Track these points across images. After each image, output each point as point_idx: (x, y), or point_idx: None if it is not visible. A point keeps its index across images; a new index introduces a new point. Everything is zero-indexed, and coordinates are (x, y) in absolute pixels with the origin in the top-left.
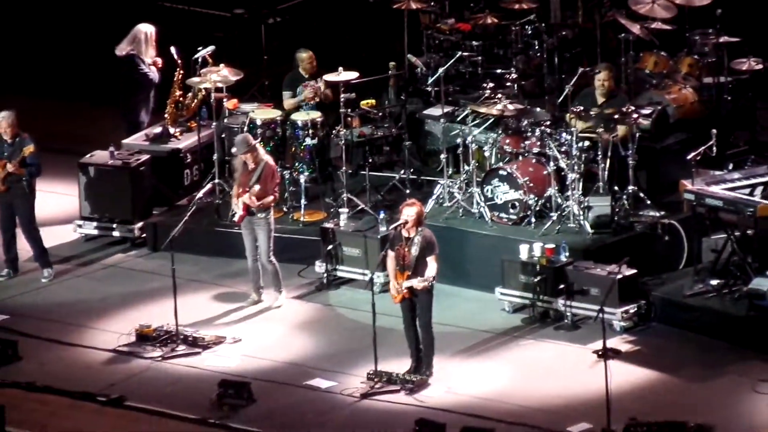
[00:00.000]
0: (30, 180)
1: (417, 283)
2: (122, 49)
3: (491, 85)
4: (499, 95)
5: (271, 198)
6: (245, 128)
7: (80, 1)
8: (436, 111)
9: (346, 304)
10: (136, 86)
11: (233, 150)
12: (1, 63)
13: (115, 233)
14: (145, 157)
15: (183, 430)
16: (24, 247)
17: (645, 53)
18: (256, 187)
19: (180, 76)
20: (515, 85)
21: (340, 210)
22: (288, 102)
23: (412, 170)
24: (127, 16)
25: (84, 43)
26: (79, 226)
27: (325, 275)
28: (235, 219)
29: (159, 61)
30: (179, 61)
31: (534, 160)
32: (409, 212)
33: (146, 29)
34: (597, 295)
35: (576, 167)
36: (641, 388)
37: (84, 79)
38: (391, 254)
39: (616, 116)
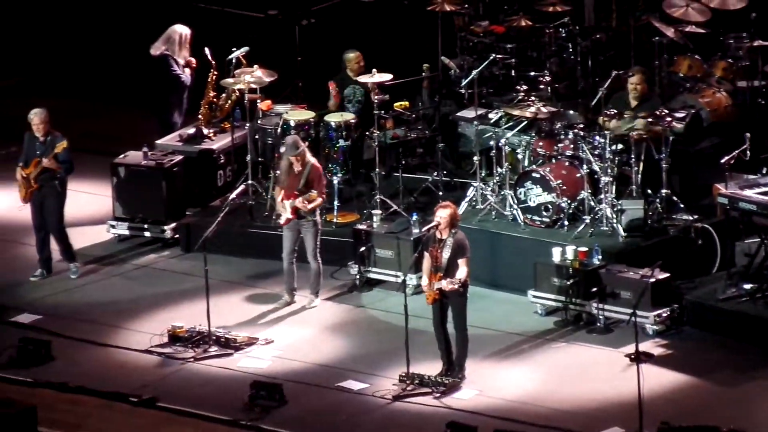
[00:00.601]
0: (63, 177)
1: (445, 284)
2: (156, 49)
3: (525, 87)
4: (533, 98)
5: (320, 200)
6: (279, 129)
7: (116, 2)
8: (469, 113)
9: (378, 306)
10: (169, 87)
11: (282, 150)
12: (35, 63)
13: (148, 234)
14: (178, 157)
15: (215, 431)
16: (56, 247)
17: (679, 57)
18: (313, 192)
19: (214, 77)
20: (548, 88)
21: (373, 212)
22: (331, 102)
23: (445, 172)
24: (162, 17)
25: (119, 44)
26: (112, 226)
27: (358, 277)
28: (281, 221)
29: (193, 61)
30: (213, 62)
31: (567, 163)
32: (442, 214)
33: (181, 30)
34: (630, 298)
35: (609, 170)
36: (674, 392)
37: (118, 79)
38: (426, 255)
39: (650, 119)
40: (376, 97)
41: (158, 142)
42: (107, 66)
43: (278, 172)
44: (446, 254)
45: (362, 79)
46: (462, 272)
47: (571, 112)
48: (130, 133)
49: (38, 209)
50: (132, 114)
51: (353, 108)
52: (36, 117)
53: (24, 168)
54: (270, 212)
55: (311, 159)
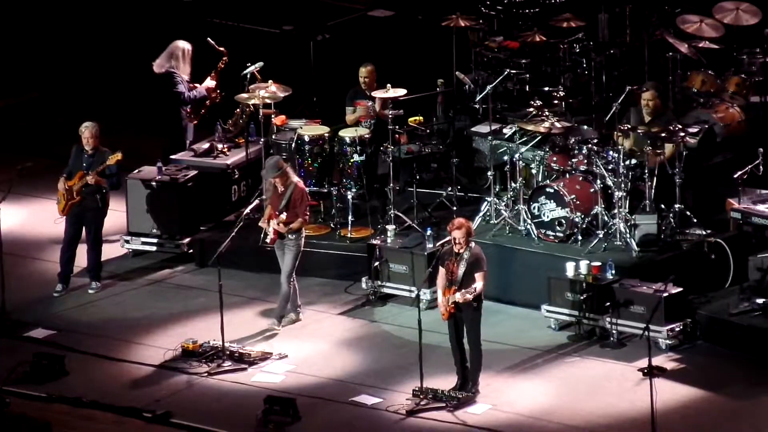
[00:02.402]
0: (107, 192)
1: (459, 297)
2: (161, 66)
3: (539, 102)
4: (547, 113)
5: (299, 221)
6: (293, 144)
7: (129, 17)
8: (483, 128)
9: (392, 321)
10: (176, 103)
11: (262, 173)
12: (51, 79)
13: (162, 249)
14: (192, 172)
15: None
16: (79, 264)
17: (692, 72)
18: (284, 215)
19: (222, 64)
20: (563, 103)
21: (387, 227)
22: (348, 117)
23: (459, 187)
24: (176, 33)
25: (132, 59)
26: (127, 241)
27: (372, 291)
28: (267, 241)
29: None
30: (221, 49)
31: (581, 178)
32: (457, 235)
33: (183, 45)
34: (643, 313)
35: (623, 185)
36: (687, 406)
37: (132, 94)
38: (441, 271)
39: (663, 134)
40: (386, 111)
41: (173, 157)
42: (121, 82)
43: (266, 191)
44: (462, 269)
45: (375, 94)
46: (477, 285)
47: (585, 127)
48: (145, 148)
49: (75, 223)
50: (145, 130)
51: (366, 123)
52: (87, 130)
53: (68, 180)
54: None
55: (294, 179)
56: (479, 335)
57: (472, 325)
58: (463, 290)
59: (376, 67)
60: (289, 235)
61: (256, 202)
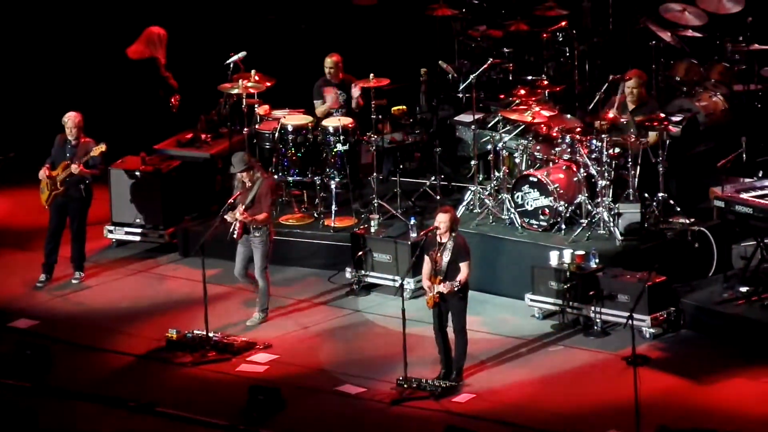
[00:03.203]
0: (90, 183)
1: (444, 288)
2: (141, 53)
3: (522, 91)
4: (530, 102)
5: (263, 215)
6: (276, 134)
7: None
8: (467, 117)
9: (376, 310)
10: (156, 89)
11: (231, 169)
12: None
13: (146, 238)
14: (176, 162)
15: None
16: (63, 254)
17: (676, 61)
18: (241, 207)
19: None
20: (546, 92)
21: (371, 216)
22: (318, 110)
23: (442, 176)
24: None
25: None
26: (110, 231)
27: (356, 281)
28: (234, 236)
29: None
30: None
31: (564, 167)
32: (442, 218)
33: (158, 31)
34: (627, 301)
35: (606, 174)
36: (670, 395)
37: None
38: (426, 259)
39: (646, 123)
40: (359, 101)
41: (156, 147)
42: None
43: (235, 188)
44: (446, 258)
45: (360, 84)
46: (462, 274)
47: (569, 116)
48: (127, 138)
49: (58, 213)
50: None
51: (338, 113)
52: (70, 120)
53: (51, 170)
54: None
55: (261, 174)
56: (465, 324)
57: (457, 315)
58: (448, 281)
59: (359, 56)
60: (255, 232)
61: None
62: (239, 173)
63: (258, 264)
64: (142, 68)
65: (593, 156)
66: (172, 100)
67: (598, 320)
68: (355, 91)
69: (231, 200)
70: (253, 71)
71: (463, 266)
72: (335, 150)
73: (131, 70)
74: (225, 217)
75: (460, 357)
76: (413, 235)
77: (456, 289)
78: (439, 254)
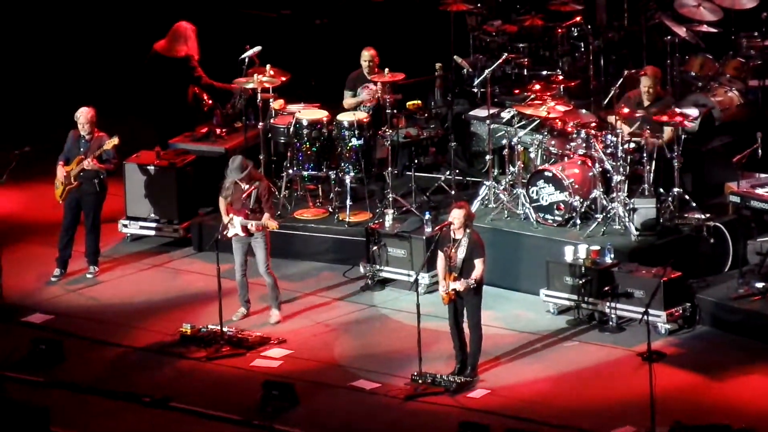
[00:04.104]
0: (105, 177)
1: (460, 285)
2: (178, 51)
3: (537, 86)
4: (545, 97)
5: (267, 217)
6: (291, 128)
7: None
8: (482, 112)
9: (390, 305)
10: (188, 86)
11: (228, 174)
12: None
13: (161, 233)
14: (190, 157)
15: (227, 431)
16: (77, 249)
17: (691, 56)
18: (271, 222)
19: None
20: (561, 87)
21: (386, 211)
22: (347, 102)
23: (457, 171)
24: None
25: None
26: (125, 225)
27: (370, 276)
28: (228, 234)
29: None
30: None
31: (579, 162)
32: (456, 214)
33: (189, 26)
34: (642, 297)
35: (621, 169)
36: (686, 391)
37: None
38: (441, 255)
39: (663, 118)
40: (385, 96)
41: (171, 141)
42: (116, 67)
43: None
44: (461, 254)
45: (374, 78)
46: (477, 271)
47: (584, 111)
48: (144, 132)
49: (73, 208)
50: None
51: (365, 108)
52: (82, 116)
53: (65, 165)
54: (282, 211)
55: (259, 176)
56: (480, 320)
57: (472, 310)
58: (463, 279)
59: (376, 50)
60: (257, 233)
61: (253, 186)
62: (238, 179)
63: (261, 261)
64: (174, 65)
65: (608, 151)
66: (205, 97)
67: (613, 316)
68: (376, 88)
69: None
70: (268, 66)
71: (478, 263)
72: (350, 144)
73: (162, 66)
74: (248, 226)
75: (475, 353)
76: (428, 230)
77: (471, 285)
78: (453, 250)
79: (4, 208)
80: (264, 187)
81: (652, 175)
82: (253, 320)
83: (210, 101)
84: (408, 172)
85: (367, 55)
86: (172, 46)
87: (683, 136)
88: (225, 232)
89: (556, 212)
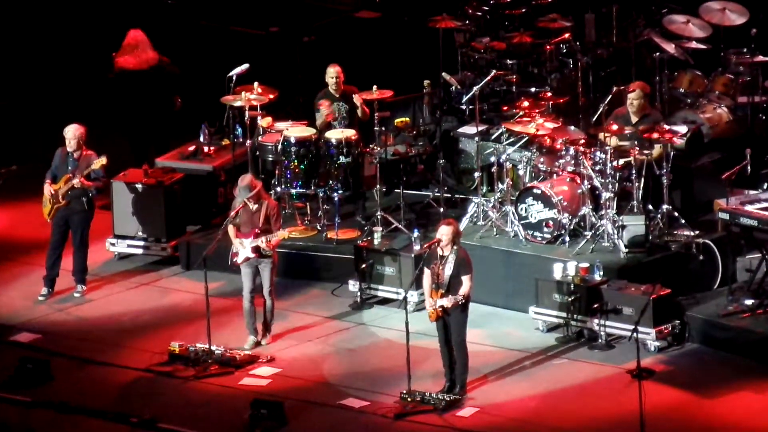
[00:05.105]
0: (93, 196)
1: (447, 302)
2: (147, 62)
3: (526, 103)
4: (534, 114)
5: (283, 234)
6: (279, 146)
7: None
8: (470, 129)
9: (379, 323)
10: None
11: (236, 193)
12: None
13: (149, 251)
14: (178, 175)
15: None
16: (65, 267)
17: (680, 72)
18: (281, 232)
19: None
20: (550, 104)
21: (374, 228)
22: (317, 122)
23: (446, 188)
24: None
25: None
26: (113, 244)
27: (359, 294)
28: (238, 260)
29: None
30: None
31: (568, 179)
32: (444, 231)
33: (138, 31)
34: (631, 314)
35: (610, 186)
36: (675, 408)
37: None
38: (427, 272)
39: (652, 135)
40: (363, 109)
41: (158, 159)
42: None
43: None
44: (448, 271)
45: (363, 95)
46: (465, 288)
47: (573, 127)
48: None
49: (60, 226)
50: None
51: (340, 125)
52: (70, 133)
53: (52, 183)
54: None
55: (267, 196)
56: (465, 337)
57: (458, 328)
58: (450, 295)
59: (362, 68)
60: (267, 252)
61: (243, 203)
62: (246, 199)
63: (267, 283)
64: (147, 76)
65: (597, 168)
66: (176, 100)
67: (602, 333)
68: (357, 100)
69: (233, 215)
70: (255, 83)
71: (466, 279)
72: (338, 162)
73: (136, 81)
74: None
75: (463, 370)
76: (417, 247)
77: (460, 303)
78: (440, 267)
79: None
80: (272, 206)
81: (641, 191)
82: (243, 339)
83: (178, 103)
84: (396, 190)
85: (332, 71)
86: (141, 57)
87: (672, 153)
88: (235, 259)
89: (545, 229)
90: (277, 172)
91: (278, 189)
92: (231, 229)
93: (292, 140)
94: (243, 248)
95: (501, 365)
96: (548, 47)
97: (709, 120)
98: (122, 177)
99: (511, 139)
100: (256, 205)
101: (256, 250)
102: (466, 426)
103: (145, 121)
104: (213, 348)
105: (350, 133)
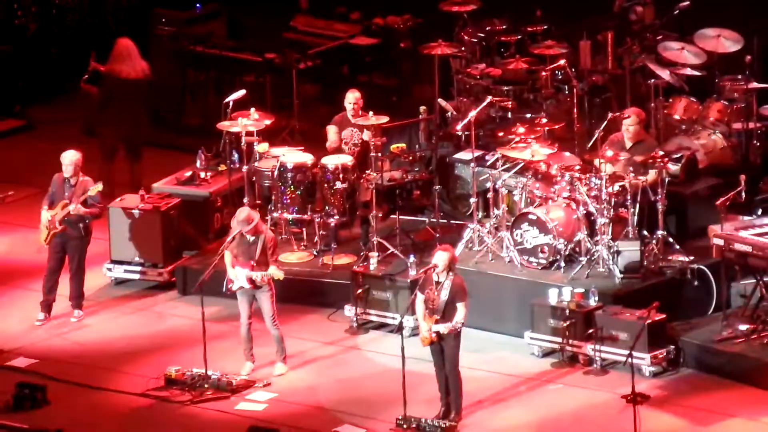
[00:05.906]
0: (89, 222)
1: (443, 328)
2: (138, 71)
3: (521, 129)
4: (530, 140)
5: (273, 269)
6: (276, 172)
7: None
8: (466, 155)
9: (375, 348)
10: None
11: (236, 226)
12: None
13: (145, 277)
14: (175, 200)
15: None
16: (62, 292)
17: (674, 99)
18: (276, 273)
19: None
20: (545, 130)
21: (370, 254)
22: (330, 138)
23: (441, 214)
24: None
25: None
26: (109, 269)
27: (355, 319)
28: (233, 288)
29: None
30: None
31: (563, 205)
32: (440, 257)
33: (125, 43)
34: (626, 339)
35: (605, 212)
36: None
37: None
38: (420, 297)
39: (648, 161)
40: (373, 140)
41: (155, 185)
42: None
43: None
44: (444, 297)
45: (359, 122)
46: (460, 315)
47: (568, 153)
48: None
49: (57, 252)
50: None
51: (349, 150)
52: (67, 159)
53: (49, 209)
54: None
55: (263, 228)
56: (458, 363)
57: (451, 353)
58: (446, 323)
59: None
60: (263, 285)
61: (238, 230)
62: (244, 231)
63: (268, 314)
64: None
65: (592, 194)
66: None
67: (597, 358)
68: (368, 137)
69: (229, 240)
70: (252, 109)
71: (461, 306)
72: (335, 188)
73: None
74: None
75: (457, 396)
76: (412, 272)
77: (458, 329)
78: (436, 293)
79: None
80: (269, 239)
81: (636, 217)
82: (239, 364)
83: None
84: (392, 215)
85: (351, 97)
86: (133, 66)
87: (667, 179)
88: (230, 285)
89: (541, 255)
90: (273, 197)
91: (274, 214)
92: (228, 256)
93: (289, 166)
94: (237, 280)
95: (496, 390)
96: (544, 74)
97: (704, 146)
98: (118, 202)
99: (507, 165)
100: (253, 237)
101: (251, 281)
102: None
103: (130, 128)
104: (209, 373)
105: (346, 158)
